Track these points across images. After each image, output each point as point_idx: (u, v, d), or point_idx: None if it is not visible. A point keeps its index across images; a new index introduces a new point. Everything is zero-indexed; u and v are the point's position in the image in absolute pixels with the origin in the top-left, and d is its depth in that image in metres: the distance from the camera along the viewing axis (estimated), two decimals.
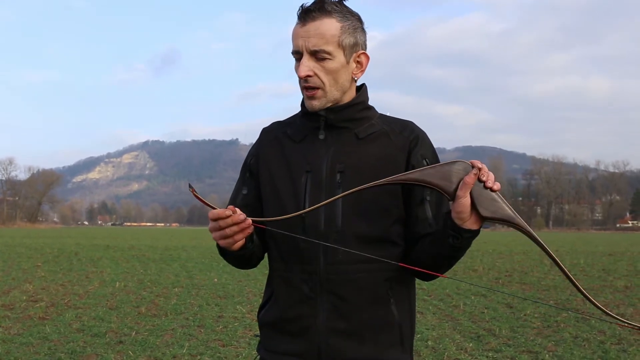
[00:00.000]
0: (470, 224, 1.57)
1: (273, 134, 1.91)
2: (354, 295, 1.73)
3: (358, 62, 1.82)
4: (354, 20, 1.78)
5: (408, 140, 1.79)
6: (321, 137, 1.81)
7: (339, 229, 1.73)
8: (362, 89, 1.87)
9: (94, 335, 7.26)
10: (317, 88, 1.75)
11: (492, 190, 1.54)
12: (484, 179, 1.53)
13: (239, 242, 1.66)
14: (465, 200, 1.54)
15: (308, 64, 1.73)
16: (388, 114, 1.91)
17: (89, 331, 7.49)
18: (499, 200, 1.56)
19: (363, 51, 1.82)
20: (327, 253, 1.73)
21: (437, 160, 1.82)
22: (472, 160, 1.56)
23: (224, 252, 1.79)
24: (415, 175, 1.58)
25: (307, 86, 1.76)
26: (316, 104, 1.77)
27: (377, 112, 1.89)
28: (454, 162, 1.57)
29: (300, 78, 1.75)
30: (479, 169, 1.54)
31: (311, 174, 1.78)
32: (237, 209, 1.60)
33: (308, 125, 1.84)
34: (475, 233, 1.61)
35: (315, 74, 1.74)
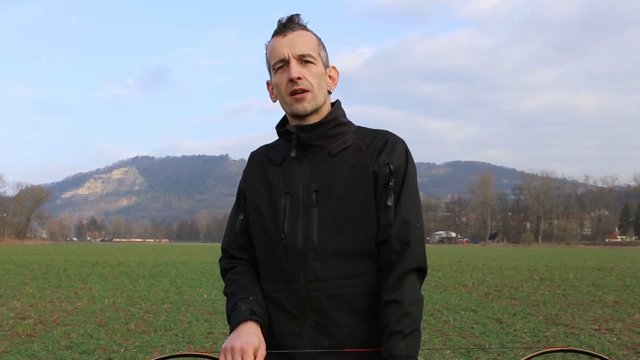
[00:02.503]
0: None
1: (258, 158, 1.96)
2: (335, 311, 1.75)
3: (330, 76, 1.89)
4: (319, 39, 1.87)
5: (376, 148, 1.81)
6: (292, 154, 1.84)
7: (316, 246, 1.75)
8: (335, 105, 1.90)
9: (83, 352, 7.21)
10: (307, 91, 1.79)
11: None
12: None
13: None
14: None
15: (298, 67, 1.78)
16: (369, 127, 1.94)
17: (78, 348, 7.44)
18: None
19: (334, 66, 1.91)
20: (307, 271, 1.75)
21: (406, 167, 1.81)
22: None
23: None
24: None
25: (297, 89, 1.79)
26: (307, 105, 1.80)
27: (353, 126, 1.91)
28: None
29: (291, 80, 1.77)
30: None
31: (290, 195, 1.81)
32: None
33: (287, 147, 1.87)
34: None
35: (305, 77, 1.79)
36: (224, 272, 1.97)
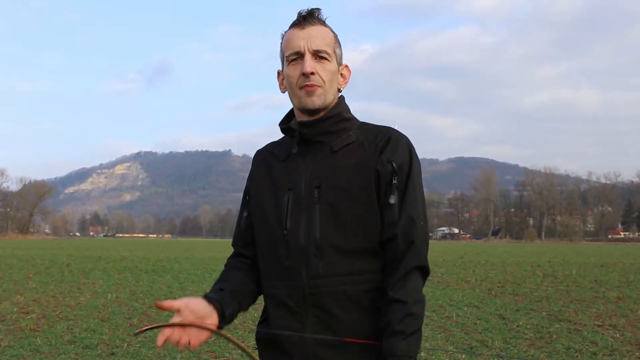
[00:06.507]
0: None
1: (262, 155, 1.96)
2: (337, 307, 1.74)
3: (342, 74, 1.89)
4: (336, 36, 1.87)
5: (379, 146, 1.79)
6: (294, 151, 1.84)
7: (318, 243, 1.74)
8: (338, 101, 1.88)
9: (86, 347, 7.22)
10: (318, 86, 1.79)
11: None
12: None
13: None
14: None
15: (312, 62, 1.78)
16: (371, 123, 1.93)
17: (81, 343, 7.45)
18: None
19: (347, 64, 1.90)
20: (309, 267, 1.75)
21: (410, 165, 1.78)
22: None
23: None
24: None
25: (309, 84, 1.78)
26: (316, 100, 1.79)
27: (357, 121, 1.89)
28: None
29: (304, 74, 1.77)
30: None
31: (292, 191, 1.81)
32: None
33: (291, 143, 1.87)
34: None
35: (317, 73, 1.78)
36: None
